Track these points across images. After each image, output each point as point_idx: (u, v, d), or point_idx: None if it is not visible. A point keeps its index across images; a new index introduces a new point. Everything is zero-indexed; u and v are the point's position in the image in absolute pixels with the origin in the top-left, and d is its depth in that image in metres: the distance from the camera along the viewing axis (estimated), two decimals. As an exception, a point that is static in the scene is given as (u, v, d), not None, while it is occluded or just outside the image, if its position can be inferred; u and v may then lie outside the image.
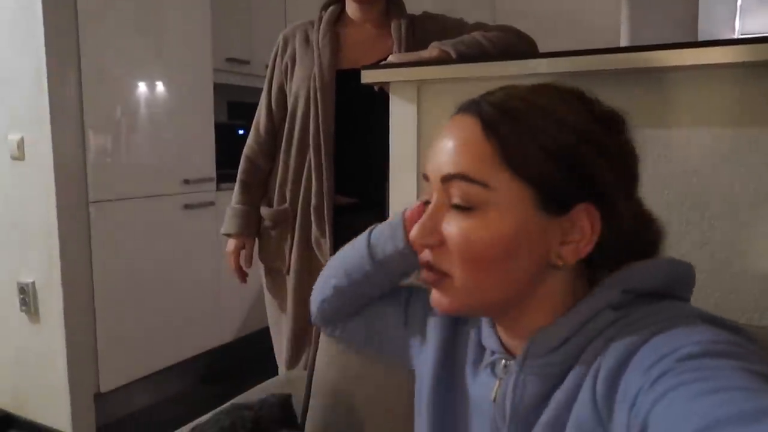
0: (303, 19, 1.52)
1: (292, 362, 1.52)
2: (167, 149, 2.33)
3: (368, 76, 1.22)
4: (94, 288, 2.08)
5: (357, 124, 1.42)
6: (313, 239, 1.44)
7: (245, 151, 1.55)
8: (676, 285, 0.53)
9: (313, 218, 1.43)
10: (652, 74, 0.96)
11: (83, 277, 2.05)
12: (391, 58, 1.23)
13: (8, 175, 2.03)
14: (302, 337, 1.50)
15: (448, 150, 0.53)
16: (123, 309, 2.19)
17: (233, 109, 3.21)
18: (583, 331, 0.51)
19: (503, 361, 0.57)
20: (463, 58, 1.19)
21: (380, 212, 1.46)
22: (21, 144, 1.97)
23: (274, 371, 1.59)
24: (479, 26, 1.38)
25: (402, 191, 1.25)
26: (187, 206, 2.39)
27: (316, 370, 0.97)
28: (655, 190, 0.93)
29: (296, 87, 1.42)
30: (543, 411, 0.52)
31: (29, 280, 2.04)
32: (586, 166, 0.51)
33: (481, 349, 0.62)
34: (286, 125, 1.46)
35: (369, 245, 0.72)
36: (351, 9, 1.46)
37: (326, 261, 1.40)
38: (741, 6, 2.88)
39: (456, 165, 0.52)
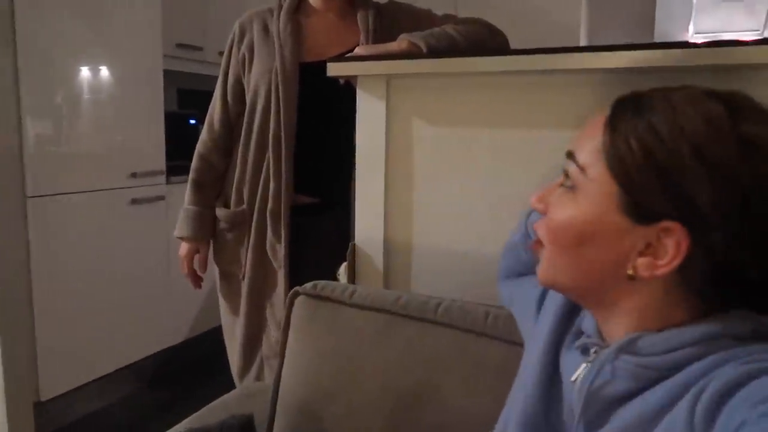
0: (260, 5, 1.42)
1: (244, 370, 1.45)
2: (113, 140, 2.18)
3: (334, 69, 1.15)
4: (32, 290, 1.93)
5: (321, 120, 1.34)
6: (267, 244, 1.36)
7: (198, 147, 1.44)
8: None
9: (269, 222, 1.34)
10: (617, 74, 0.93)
11: (20, 278, 1.90)
12: (358, 50, 1.16)
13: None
14: (255, 345, 1.43)
15: (582, 132, 0.56)
16: (64, 312, 2.04)
17: (185, 97, 3.06)
18: (695, 348, 0.48)
19: (595, 347, 0.56)
20: (434, 51, 1.14)
21: (345, 213, 1.40)
22: (-52, 133, 1.80)
23: (225, 373, 1.53)
24: (449, 18, 1.33)
25: (369, 190, 1.19)
26: (134, 201, 2.25)
27: (281, 386, 0.90)
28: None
29: (255, 80, 1.33)
30: (619, 409, 0.51)
31: (-41, 280, 1.87)
32: (687, 185, 0.47)
33: (580, 333, 0.62)
34: (245, 120, 1.36)
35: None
36: (314, 1, 1.36)
37: (281, 268, 1.35)
38: (696, 5, 2.94)
39: (574, 144, 0.55)
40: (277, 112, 1.29)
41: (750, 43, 0.84)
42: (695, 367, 0.47)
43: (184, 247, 1.47)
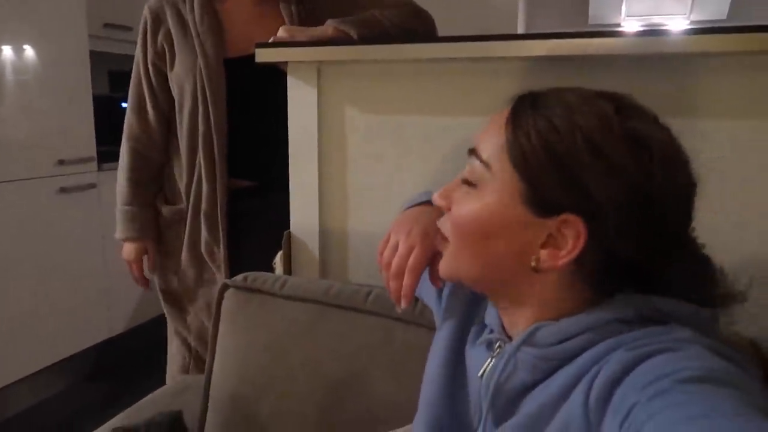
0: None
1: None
2: (38, 125, 2.07)
3: (262, 55, 1.12)
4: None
5: (252, 110, 1.29)
6: (203, 246, 1.31)
7: (130, 143, 1.35)
8: (694, 324, 0.51)
9: (203, 225, 1.29)
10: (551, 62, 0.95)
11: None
12: (281, 32, 1.12)
13: None
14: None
15: (485, 130, 0.57)
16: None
17: (115, 79, 2.92)
18: (586, 336, 0.51)
19: (499, 342, 0.59)
20: (364, 39, 1.13)
21: (285, 197, 1.35)
22: None
23: (164, 365, 1.50)
24: (375, 2, 1.30)
25: (303, 178, 1.17)
26: (63, 189, 2.15)
27: (213, 381, 0.89)
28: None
29: (179, 79, 1.26)
30: (524, 400, 0.54)
31: None
32: (584, 178, 0.49)
33: (483, 327, 0.64)
34: (176, 117, 1.30)
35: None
36: None
37: (220, 271, 1.31)
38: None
39: (477, 141, 0.57)
40: (206, 112, 1.24)
41: (677, 33, 0.87)
42: (587, 355, 0.50)
43: (129, 250, 1.39)
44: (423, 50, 1.04)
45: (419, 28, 1.25)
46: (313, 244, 1.19)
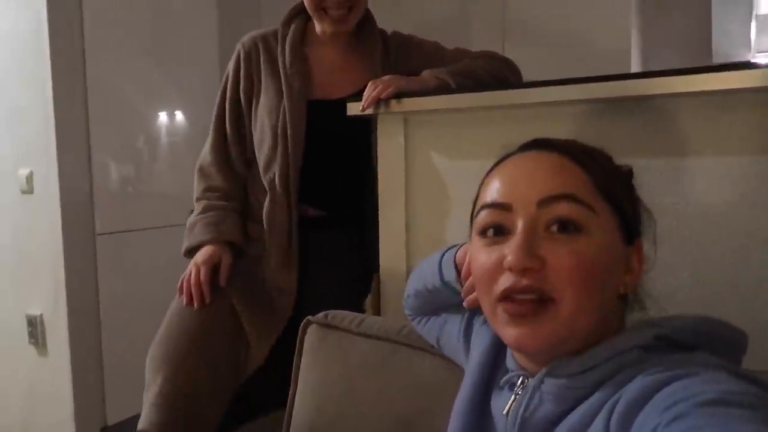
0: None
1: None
2: (182, 179, 2.35)
3: (354, 109, 1.21)
4: (101, 319, 2.09)
5: (325, 146, 1.30)
6: (274, 272, 1.28)
7: (221, 184, 1.33)
8: (715, 344, 0.52)
9: (274, 252, 1.27)
10: (661, 101, 0.92)
11: (90, 308, 2.06)
12: (386, 79, 1.15)
13: (18, 208, 2.07)
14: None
15: (538, 176, 0.55)
16: (131, 340, 2.18)
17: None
18: (609, 364, 0.52)
19: (521, 377, 0.58)
20: (461, 87, 1.17)
21: (357, 230, 1.35)
22: (30, 178, 2.01)
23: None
24: (460, 52, 1.33)
25: (391, 223, 1.23)
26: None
27: (294, 409, 0.94)
28: (669, 223, 0.90)
29: (262, 115, 1.29)
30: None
31: (37, 312, 2.06)
32: (636, 206, 0.59)
33: (506, 372, 0.63)
34: (255, 151, 1.32)
35: (441, 263, 0.75)
36: (320, 28, 1.29)
37: (284, 295, 1.25)
38: (756, 24, 2.81)
39: (561, 187, 0.54)
40: (285, 149, 1.25)
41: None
42: (609, 384, 0.50)
43: (204, 252, 1.25)
44: (517, 96, 1.05)
45: (509, 77, 1.28)
46: (401, 287, 1.23)
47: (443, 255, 0.76)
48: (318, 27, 1.29)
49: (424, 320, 0.84)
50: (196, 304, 1.23)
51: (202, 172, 1.36)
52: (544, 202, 0.53)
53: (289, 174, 1.26)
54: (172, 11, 2.31)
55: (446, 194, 1.18)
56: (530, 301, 0.52)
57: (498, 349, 0.66)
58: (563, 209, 0.53)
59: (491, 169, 0.61)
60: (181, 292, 1.26)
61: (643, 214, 0.60)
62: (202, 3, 2.43)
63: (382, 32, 1.36)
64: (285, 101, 1.25)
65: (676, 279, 0.90)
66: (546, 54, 2.82)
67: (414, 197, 1.21)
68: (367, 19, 1.34)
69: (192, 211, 1.37)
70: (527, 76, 1.32)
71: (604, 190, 0.55)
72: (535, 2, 2.88)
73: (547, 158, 0.56)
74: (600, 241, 0.53)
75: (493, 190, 0.57)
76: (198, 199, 1.35)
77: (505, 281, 0.53)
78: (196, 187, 1.37)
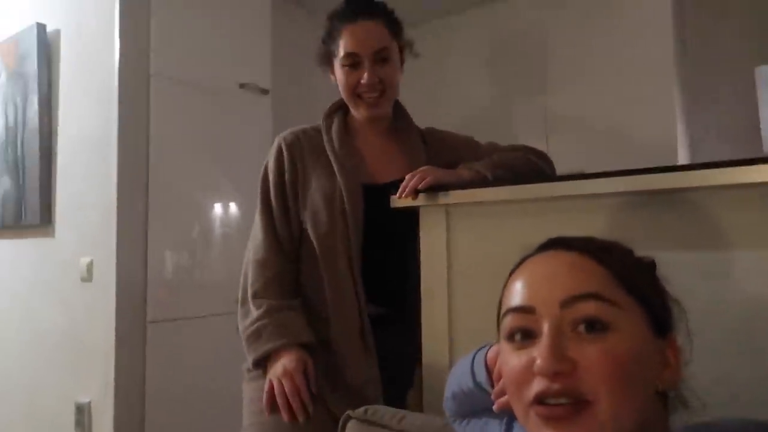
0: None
1: None
2: (233, 269, 2.41)
3: (397, 202, 1.23)
4: (146, 409, 2.09)
5: (381, 237, 1.30)
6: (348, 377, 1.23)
7: (280, 272, 1.27)
8: None
9: (347, 351, 1.23)
10: (703, 193, 0.91)
11: (136, 398, 2.07)
12: (425, 170, 1.17)
13: (77, 296, 2.16)
14: None
15: (559, 276, 0.56)
16: (174, 430, 2.17)
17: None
18: None
19: None
20: (499, 180, 1.19)
21: (415, 327, 1.29)
22: (90, 266, 2.11)
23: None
24: (493, 146, 1.36)
25: (433, 314, 1.22)
26: (242, 325, 2.43)
27: None
28: (717, 316, 0.86)
29: (313, 208, 1.27)
30: None
31: (86, 400, 2.09)
32: (664, 297, 0.58)
33: None
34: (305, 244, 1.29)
35: (473, 364, 0.75)
36: (357, 114, 1.32)
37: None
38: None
39: (583, 286, 0.54)
40: (345, 236, 1.24)
41: None
42: None
43: (288, 360, 1.14)
44: (555, 189, 1.06)
45: (545, 168, 1.29)
46: (443, 382, 1.19)
47: (475, 356, 0.75)
48: (356, 114, 1.33)
49: (465, 422, 0.81)
50: (300, 418, 1.11)
51: (258, 263, 1.28)
52: (567, 303, 0.53)
53: (353, 264, 1.23)
54: (230, 114, 2.47)
55: (489, 287, 1.15)
56: (569, 402, 0.51)
57: None
58: (588, 308, 0.53)
59: (512, 272, 0.62)
60: (271, 410, 1.14)
61: (672, 306, 0.58)
62: (258, 105, 2.59)
63: (419, 129, 1.41)
64: (341, 186, 1.24)
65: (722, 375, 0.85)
66: (591, 148, 2.85)
67: (456, 290, 1.20)
68: (401, 110, 1.39)
69: (241, 303, 1.29)
70: (572, 169, 1.33)
71: (626, 284, 0.55)
72: (578, 97, 2.94)
73: (566, 257, 0.57)
74: (629, 336, 0.52)
75: (516, 294, 0.58)
76: (256, 296, 1.24)
77: (537, 385, 0.52)
78: (252, 282, 1.27)
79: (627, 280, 0.55)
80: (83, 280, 2.13)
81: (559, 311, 0.54)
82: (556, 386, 0.51)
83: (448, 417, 0.85)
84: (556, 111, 2.94)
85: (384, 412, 0.94)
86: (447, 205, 1.20)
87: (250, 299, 1.25)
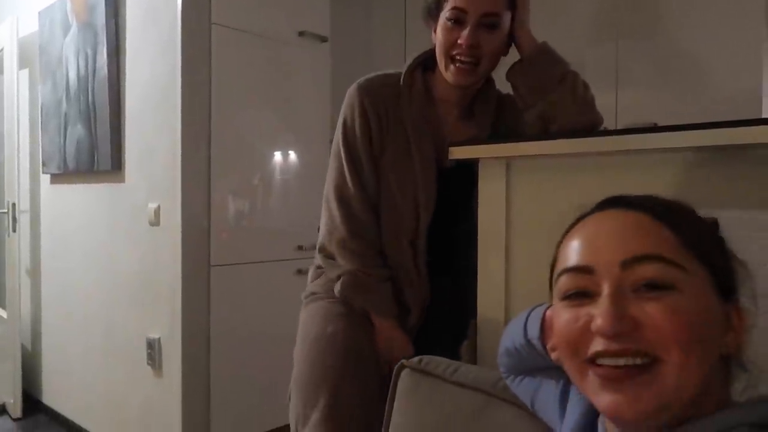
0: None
1: None
2: (290, 216, 2.48)
3: (457, 153, 1.22)
4: (210, 347, 2.21)
5: (449, 210, 1.31)
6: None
7: (371, 228, 1.28)
8: None
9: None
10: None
11: (201, 335, 2.19)
12: None
13: (146, 239, 2.27)
14: None
15: (619, 236, 0.54)
16: (236, 367, 2.29)
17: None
18: None
19: None
20: (557, 133, 1.16)
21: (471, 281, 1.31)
22: (158, 211, 2.21)
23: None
24: None
25: (490, 268, 1.21)
26: (299, 271, 2.49)
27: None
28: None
29: (389, 181, 1.27)
30: None
31: (156, 336, 2.22)
32: (729, 259, 0.56)
33: None
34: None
35: (527, 319, 0.73)
36: (442, 84, 1.27)
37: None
38: None
39: (645, 247, 0.52)
40: (415, 217, 1.26)
41: None
42: None
43: (388, 330, 1.28)
44: (618, 142, 1.02)
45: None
46: (498, 336, 1.19)
47: (531, 311, 0.73)
48: (444, 74, 1.24)
49: (518, 379, 0.81)
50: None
51: (354, 218, 1.27)
52: (628, 264, 0.51)
53: (419, 233, 1.27)
54: (290, 62, 2.47)
55: (548, 243, 1.13)
56: (625, 367, 0.49)
57: (591, 418, 0.62)
58: (650, 270, 0.51)
59: (567, 231, 0.60)
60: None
61: (737, 268, 0.56)
62: (317, 52, 2.58)
63: (499, 95, 1.35)
64: (417, 168, 1.25)
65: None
66: (665, 98, 2.70)
67: (514, 244, 1.19)
68: (490, 84, 1.33)
69: (339, 245, 1.28)
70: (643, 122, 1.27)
71: (691, 246, 0.52)
72: (650, 41, 2.77)
73: (627, 217, 0.55)
74: (694, 297, 0.50)
75: (573, 253, 0.56)
76: (358, 254, 1.26)
77: (596, 345, 0.51)
78: (351, 236, 1.27)
79: (690, 241, 0.53)
80: (151, 224, 2.23)
81: (620, 272, 0.51)
82: (615, 346, 0.49)
83: (502, 373, 0.85)
84: (626, 59, 2.78)
85: (438, 363, 0.95)
86: (508, 157, 1.17)
87: (347, 244, 1.27)
